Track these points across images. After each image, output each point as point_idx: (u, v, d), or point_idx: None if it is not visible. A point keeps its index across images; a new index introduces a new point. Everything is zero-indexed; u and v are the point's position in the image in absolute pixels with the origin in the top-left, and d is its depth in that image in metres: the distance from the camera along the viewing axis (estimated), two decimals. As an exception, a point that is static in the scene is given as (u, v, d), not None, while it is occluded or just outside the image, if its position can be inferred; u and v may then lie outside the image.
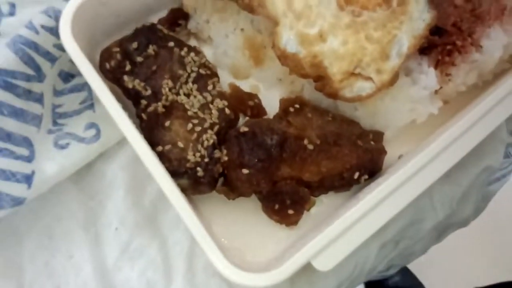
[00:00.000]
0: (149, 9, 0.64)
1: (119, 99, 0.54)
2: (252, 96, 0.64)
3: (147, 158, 0.52)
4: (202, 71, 0.59)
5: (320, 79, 0.59)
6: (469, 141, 0.58)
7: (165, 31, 0.61)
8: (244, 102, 0.63)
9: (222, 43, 0.65)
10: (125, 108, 0.55)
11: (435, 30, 0.60)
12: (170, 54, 0.58)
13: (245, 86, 0.66)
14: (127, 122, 0.53)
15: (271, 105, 0.64)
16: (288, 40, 0.57)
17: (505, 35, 0.62)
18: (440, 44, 0.60)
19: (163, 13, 0.66)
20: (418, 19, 0.59)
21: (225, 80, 0.65)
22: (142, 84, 0.57)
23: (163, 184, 0.51)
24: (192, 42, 0.67)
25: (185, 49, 0.59)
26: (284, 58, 0.58)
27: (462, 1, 0.61)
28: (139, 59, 0.58)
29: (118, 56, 0.58)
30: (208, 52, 0.66)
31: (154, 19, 0.65)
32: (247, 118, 0.63)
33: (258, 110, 0.63)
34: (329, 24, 0.57)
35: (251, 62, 0.65)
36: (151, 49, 0.58)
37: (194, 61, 0.59)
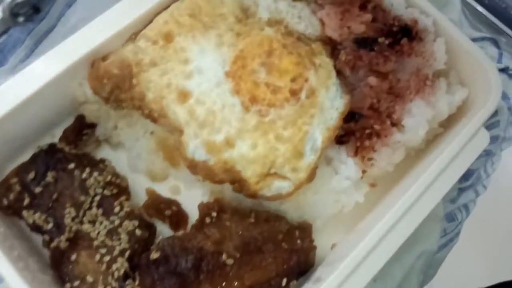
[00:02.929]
0: (51, 123, 0.61)
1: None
2: (170, 203, 0.60)
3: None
4: (107, 191, 0.55)
5: (237, 182, 0.55)
6: (403, 229, 0.55)
7: (66, 148, 0.57)
8: (162, 211, 0.59)
9: (134, 147, 0.61)
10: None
11: (351, 115, 0.57)
12: (71, 178, 0.55)
13: (165, 187, 0.62)
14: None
15: (194, 204, 0.60)
16: (195, 149, 0.54)
17: (428, 107, 0.58)
18: (358, 130, 0.57)
19: (70, 120, 0.62)
20: (330, 108, 0.56)
21: (143, 184, 0.62)
22: (43, 216, 0.53)
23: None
24: (104, 147, 0.63)
25: (87, 170, 0.56)
26: (193, 167, 0.55)
27: (378, 81, 0.57)
28: (38, 189, 0.54)
29: (17, 187, 0.54)
30: (122, 156, 0.62)
31: (60, 130, 0.61)
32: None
33: (177, 218, 0.59)
34: (236, 129, 0.54)
35: (167, 164, 0.61)
36: (50, 176, 0.54)
37: (98, 182, 0.55)
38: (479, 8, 0.74)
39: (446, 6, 0.73)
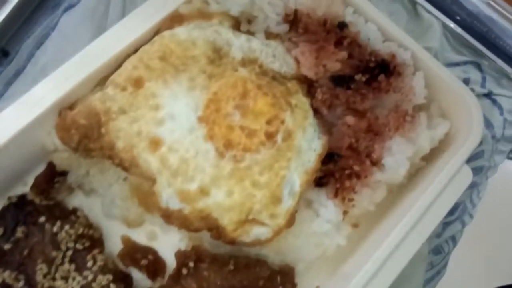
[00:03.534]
0: (22, 171, 0.59)
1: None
2: (147, 251, 0.58)
3: None
4: (79, 245, 0.53)
5: (214, 229, 0.54)
6: (388, 273, 0.54)
7: (37, 200, 0.55)
8: (138, 260, 0.57)
9: (107, 194, 0.59)
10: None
11: (330, 156, 0.55)
12: (42, 233, 0.53)
13: (141, 233, 0.60)
14: None
15: (171, 249, 0.58)
16: (169, 198, 0.52)
17: (409, 144, 0.57)
18: (337, 171, 0.55)
19: (42, 167, 0.60)
20: (308, 150, 0.55)
21: (118, 230, 0.60)
22: (14, 274, 0.51)
23: None
24: (77, 194, 0.61)
25: (58, 223, 0.54)
26: (168, 217, 0.53)
27: (355, 119, 0.56)
28: (8, 246, 0.52)
29: (-14, 244, 0.52)
30: (95, 202, 0.60)
31: (31, 177, 0.59)
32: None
33: (154, 267, 0.57)
34: (210, 176, 0.52)
35: (142, 209, 0.59)
36: (20, 232, 0.53)
37: (70, 235, 0.53)
38: (461, 31, 0.73)
39: (428, 31, 0.72)
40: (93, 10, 0.66)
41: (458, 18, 0.73)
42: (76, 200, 0.60)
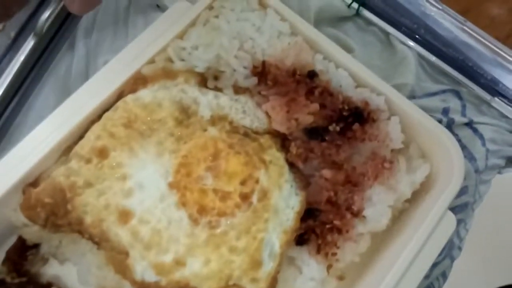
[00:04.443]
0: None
1: None
2: (127, 321, 0.56)
3: None
4: (55, 324, 0.51)
5: (195, 296, 0.52)
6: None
7: (8, 278, 0.53)
8: (119, 331, 0.55)
9: (82, 263, 0.56)
10: None
11: (309, 211, 0.54)
12: (15, 317, 0.51)
13: (121, 299, 0.58)
14: None
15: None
16: (143, 271, 0.50)
17: (389, 192, 0.55)
18: (317, 226, 0.53)
19: (13, 240, 0.57)
20: (286, 208, 0.53)
21: (97, 298, 0.58)
22: None
23: None
24: (52, 263, 0.58)
25: (32, 303, 0.51)
26: (144, 290, 0.51)
27: (332, 172, 0.54)
28: (-22, 333, 0.50)
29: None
30: (72, 270, 0.58)
31: (2, 252, 0.57)
32: None
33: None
34: (185, 246, 0.50)
35: (119, 276, 0.57)
36: (-10, 318, 0.50)
37: (45, 316, 0.51)
38: (436, 60, 0.71)
39: (402, 62, 0.70)
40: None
41: (432, 46, 0.71)
42: (51, 270, 0.57)
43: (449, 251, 0.64)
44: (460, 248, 0.68)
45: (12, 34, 0.62)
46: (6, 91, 0.61)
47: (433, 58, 0.71)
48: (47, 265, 0.58)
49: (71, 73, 0.63)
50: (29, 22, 0.62)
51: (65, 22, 0.65)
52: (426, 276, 0.62)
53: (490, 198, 0.72)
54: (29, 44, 0.62)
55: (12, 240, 0.57)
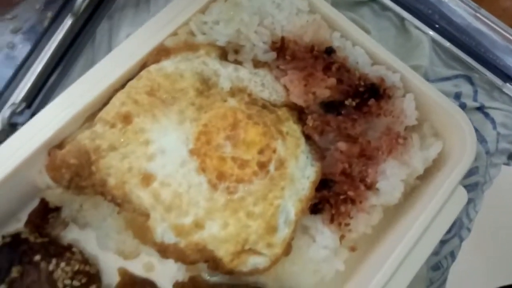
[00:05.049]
0: (15, 208, 0.58)
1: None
2: (144, 283, 0.58)
3: None
4: (76, 282, 0.53)
5: (210, 260, 0.53)
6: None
7: (31, 237, 0.55)
8: (136, 293, 0.57)
9: (102, 227, 0.59)
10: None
11: (324, 182, 0.55)
12: (38, 271, 0.52)
13: (138, 264, 0.60)
14: None
15: (170, 279, 0.58)
16: (163, 232, 0.52)
17: (402, 166, 0.57)
18: (332, 197, 0.55)
19: (35, 203, 0.59)
20: (301, 178, 0.54)
21: (115, 262, 0.59)
22: (10, 317, 0.51)
23: None
24: (73, 228, 0.60)
25: (54, 260, 0.53)
26: (163, 251, 0.52)
27: (348, 145, 0.55)
28: (3, 287, 0.51)
29: (-20, 285, 0.52)
30: (91, 235, 0.60)
31: (25, 214, 0.59)
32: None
33: (153, 299, 0.57)
34: (204, 209, 0.52)
35: (137, 241, 0.59)
36: (15, 272, 0.52)
37: (66, 273, 0.53)
38: (450, 46, 0.72)
39: (417, 47, 0.72)
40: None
41: (446, 32, 0.73)
42: (71, 234, 0.60)
43: (459, 230, 0.66)
44: (469, 229, 0.69)
45: (50, 14, 0.65)
46: (45, 67, 0.63)
47: (447, 44, 0.73)
48: (67, 229, 0.61)
49: (94, 47, 0.65)
50: (66, 3, 0.64)
51: (102, 2, 0.67)
52: (436, 253, 0.64)
53: (492, 197, 0.73)
54: (66, 24, 0.64)
55: (34, 204, 0.59)
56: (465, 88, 0.72)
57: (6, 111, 0.59)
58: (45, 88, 0.63)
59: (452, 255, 0.68)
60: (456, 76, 0.73)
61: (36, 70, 0.62)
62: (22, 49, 0.63)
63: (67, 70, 0.65)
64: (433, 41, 0.73)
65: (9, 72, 0.62)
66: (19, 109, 0.60)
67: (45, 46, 0.63)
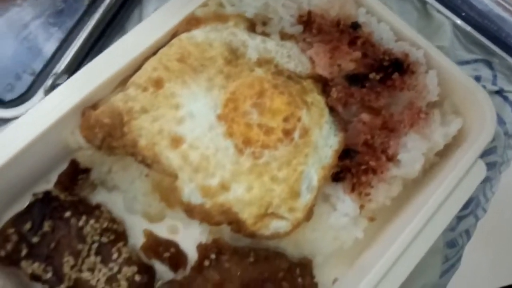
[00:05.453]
0: (46, 169, 0.60)
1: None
2: (169, 244, 0.60)
3: None
4: (104, 238, 0.55)
5: (234, 223, 0.55)
6: (406, 264, 0.55)
7: (62, 196, 0.57)
8: (161, 253, 0.59)
9: (130, 190, 0.61)
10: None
11: (346, 152, 0.57)
12: (68, 227, 0.55)
13: (163, 227, 0.62)
14: None
15: (193, 243, 0.60)
16: (191, 193, 0.54)
17: (423, 140, 0.58)
18: (354, 166, 0.57)
19: (65, 165, 0.62)
20: (324, 146, 0.56)
21: (140, 225, 0.62)
22: (42, 266, 0.53)
23: None
24: (100, 190, 0.63)
25: (83, 217, 0.56)
26: (190, 211, 0.54)
27: (371, 117, 0.57)
28: (35, 239, 0.54)
29: (14, 237, 0.54)
30: (118, 198, 0.62)
31: (55, 175, 0.61)
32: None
33: (176, 259, 0.59)
34: (230, 172, 0.54)
35: (163, 204, 0.61)
36: (46, 226, 0.54)
37: (95, 229, 0.55)
38: (471, 30, 0.74)
39: (438, 30, 0.73)
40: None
41: (468, 17, 0.74)
42: (98, 197, 0.62)
43: (475, 208, 0.67)
44: (485, 210, 0.70)
45: (87, 1, 0.70)
46: (84, 42, 0.67)
47: (468, 28, 0.74)
48: (95, 191, 0.63)
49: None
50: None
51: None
52: (452, 229, 0.65)
53: (497, 197, 0.74)
54: (101, 10, 0.68)
55: (64, 166, 0.61)
56: (485, 73, 0.73)
57: (49, 80, 0.64)
58: (85, 61, 0.66)
59: (468, 234, 0.69)
60: (476, 61, 0.75)
61: (77, 45, 0.67)
62: (65, 25, 0.69)
63: (105, 44, 0.68)
64: (454, 25, 0.74)
65: (53, 46, 0.67)
66: (60, 79, 0.63)
67: (87, 22, 0.67)
